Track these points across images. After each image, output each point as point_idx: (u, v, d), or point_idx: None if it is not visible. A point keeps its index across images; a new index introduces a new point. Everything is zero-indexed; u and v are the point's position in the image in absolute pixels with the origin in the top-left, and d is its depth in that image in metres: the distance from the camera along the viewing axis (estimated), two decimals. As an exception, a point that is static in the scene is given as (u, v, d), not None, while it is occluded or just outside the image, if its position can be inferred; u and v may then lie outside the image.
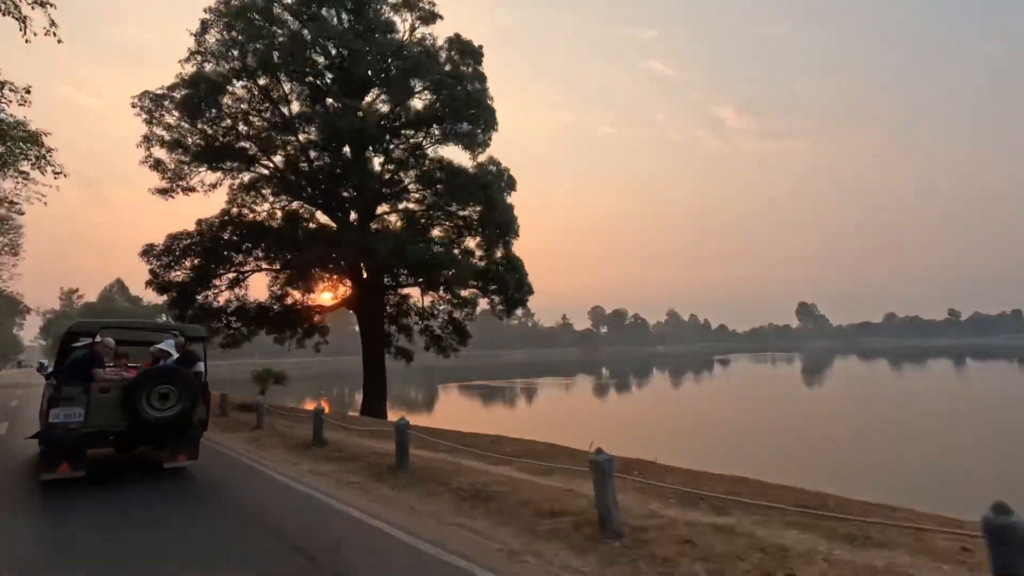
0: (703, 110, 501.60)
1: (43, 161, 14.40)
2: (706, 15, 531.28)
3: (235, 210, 20.92)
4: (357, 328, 22.55)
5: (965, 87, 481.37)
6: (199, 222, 19.90)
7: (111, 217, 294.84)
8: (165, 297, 19.44)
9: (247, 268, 19.97)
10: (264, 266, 20.18)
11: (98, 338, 7.64)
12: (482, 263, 20.37)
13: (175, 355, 7.87)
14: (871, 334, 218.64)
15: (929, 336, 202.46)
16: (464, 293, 23.24)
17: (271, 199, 21.71)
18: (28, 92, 13.47)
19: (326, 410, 23.42)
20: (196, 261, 18.94)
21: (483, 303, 22.28)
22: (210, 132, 18.41)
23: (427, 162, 20.12)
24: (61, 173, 14.84)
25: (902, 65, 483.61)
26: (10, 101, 13.40)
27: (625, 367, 78.29)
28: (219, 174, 20.11)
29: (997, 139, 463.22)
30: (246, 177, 21.15)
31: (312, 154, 19.50)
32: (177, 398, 7.19)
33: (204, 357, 8.39)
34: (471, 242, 21.11)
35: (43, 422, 7.14)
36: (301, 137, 19.21)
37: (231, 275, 19.71)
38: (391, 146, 19.33)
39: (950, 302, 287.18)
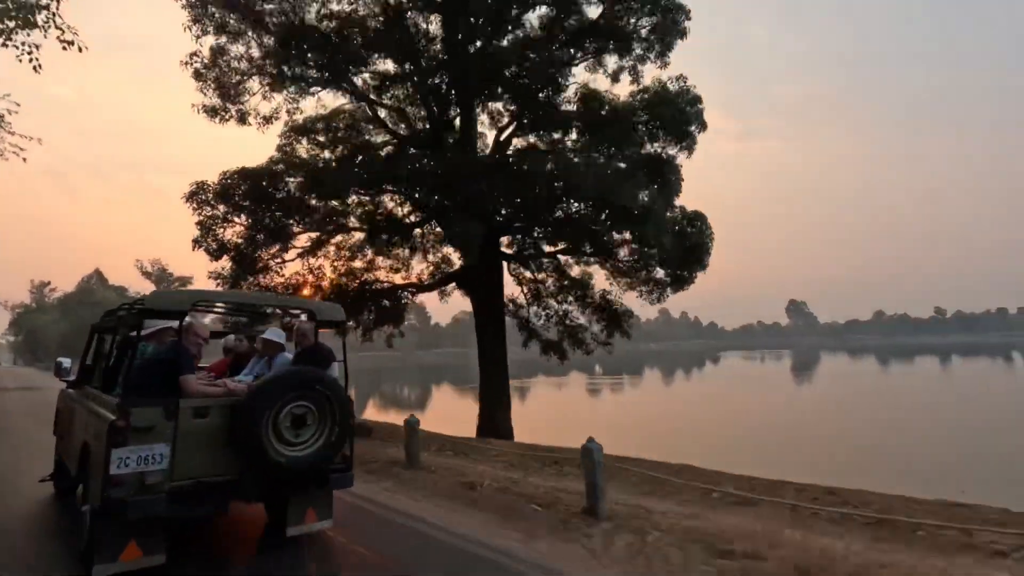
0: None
1: (50, 16, 8.41)
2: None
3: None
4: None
5: (951, 87, 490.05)
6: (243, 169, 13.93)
7: (80, 210, 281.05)
8: (216, 265, 13.23)
9: (332, 226, 13.89)
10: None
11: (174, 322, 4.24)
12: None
13: (286, 352, 4.64)
14: (860, 331, 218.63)
15: (917, 334, 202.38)
16: (574, 272, 17.97)
17: (330, 147, 15.96)
18: None
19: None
20: (261, 215, 12.87)
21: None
22: (288, 18, 12.40)
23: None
24: (72, 43, 8.83)
25: (883, 66, 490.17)
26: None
27: (663, 367, 73.54)
28: (284, 95, 14.22)
29: (990, 139, 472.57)
30: (304, 113, 15.22)
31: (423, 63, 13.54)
32: (318, 423, 3.97)
33: (344, 355, 4.87)
34: None
35: (79, 464, 4.19)
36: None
37: (313, 234, 13.70)
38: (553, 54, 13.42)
39: (935, 300, 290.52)
